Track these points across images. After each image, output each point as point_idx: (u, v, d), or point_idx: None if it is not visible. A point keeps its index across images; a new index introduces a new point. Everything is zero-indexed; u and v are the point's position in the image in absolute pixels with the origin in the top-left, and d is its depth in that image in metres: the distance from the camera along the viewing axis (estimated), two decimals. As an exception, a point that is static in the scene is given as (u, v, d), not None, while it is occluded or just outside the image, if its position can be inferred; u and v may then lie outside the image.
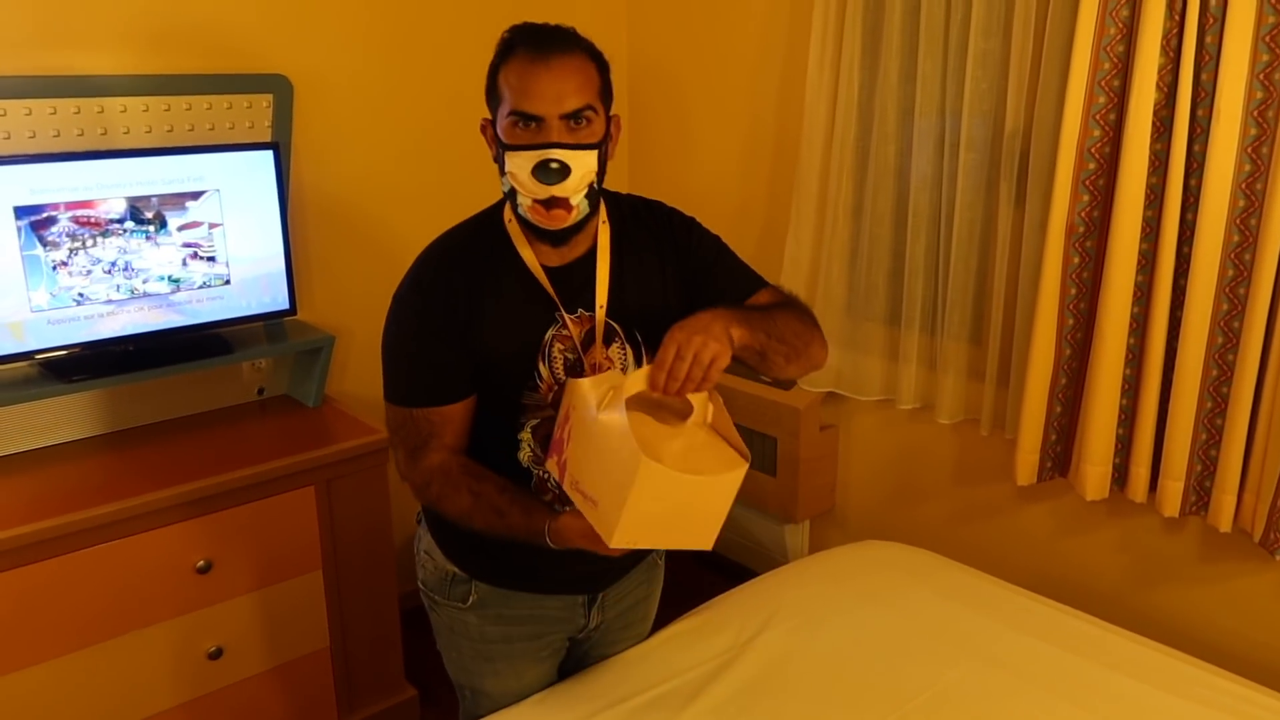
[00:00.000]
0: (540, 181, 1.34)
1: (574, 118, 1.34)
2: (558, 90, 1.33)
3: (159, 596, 2.04)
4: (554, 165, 1.33)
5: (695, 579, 2.71)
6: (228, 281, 2.29)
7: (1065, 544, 2.43)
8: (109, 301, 2.14)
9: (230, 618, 2.15)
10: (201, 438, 2.31)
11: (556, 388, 1.45)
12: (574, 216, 1.38)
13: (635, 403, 1.31)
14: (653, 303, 1.50)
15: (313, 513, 2.22)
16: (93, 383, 2.12)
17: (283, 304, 2.38)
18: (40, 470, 2.14)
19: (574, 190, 1.36)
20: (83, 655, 1.97)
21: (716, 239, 1.59)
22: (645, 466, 1.20)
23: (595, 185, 1.39)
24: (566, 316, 1.44)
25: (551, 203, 1.36)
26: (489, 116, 1.43)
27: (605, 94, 1.41)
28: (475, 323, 1.42)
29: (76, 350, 2.12)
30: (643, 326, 1.50)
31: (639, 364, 1.50)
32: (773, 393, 2.77)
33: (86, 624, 1.97)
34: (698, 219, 1.59)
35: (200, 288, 2.25)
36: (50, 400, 2.19)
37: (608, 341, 1.47)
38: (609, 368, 1.46)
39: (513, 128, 1.36)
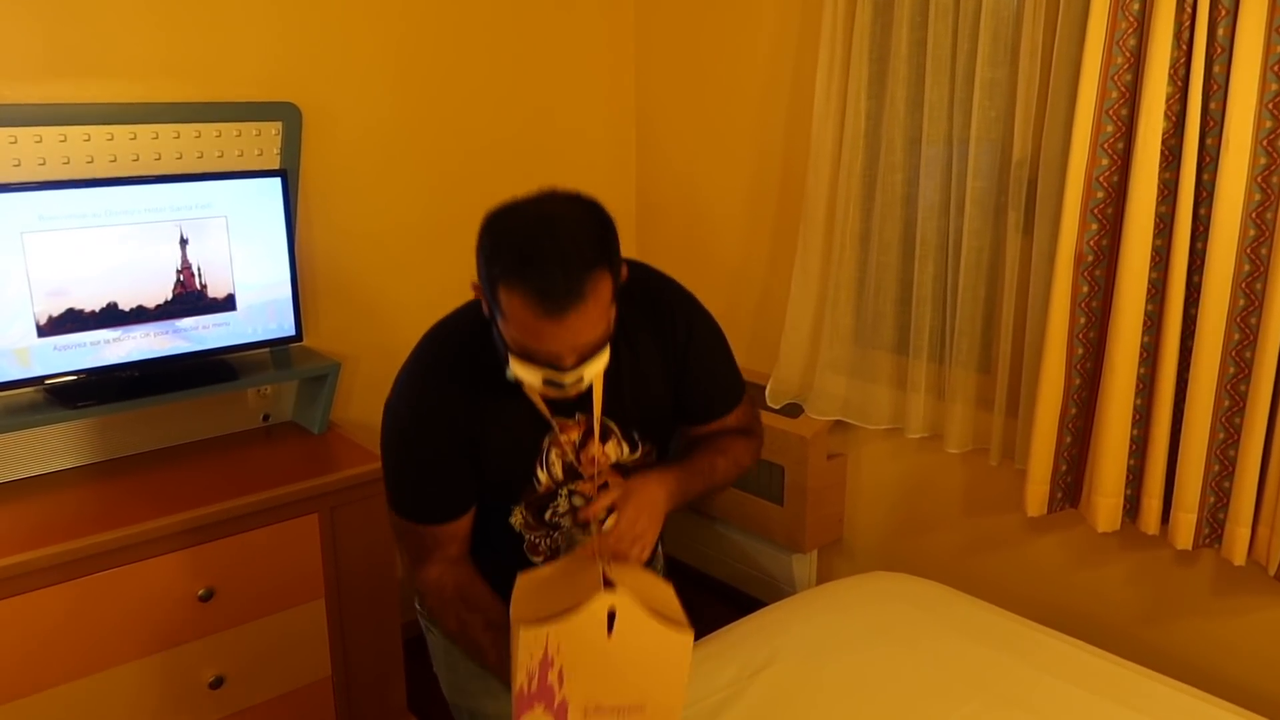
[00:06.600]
0: (554, 388, 1.32)
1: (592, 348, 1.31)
2: (573, 341, 1.26)
3: (160, 624, 2.03)
4: (569, 383, 1.31)
5: (702, 609, 2.68)
6: (234, 308, 2.29)
7: (1077, 576, 2.40)
8: (115, 327, 2.14)
9: (232, 646, 2.13)
10: (206, 464, 2.31)
11: (553, 485, 1.49)
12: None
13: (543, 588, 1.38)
14: (648, 397, 1.50)
15: (316, 540, 2.21)
16: (98, 409, 2.12)
17: (289, 330, 2.39)
18: (44, 496, 2.14)
19: (588, 382, 1.35)
20: (84, 684, 1.96)
21: (712, 342, 1.55)
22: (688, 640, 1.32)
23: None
24: (560, 425, 1.45)
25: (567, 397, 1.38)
26: (476, 280, 1.34)
27: (617, 282, 1.30)
28: (475, 439, 1.42)
29: (82, 376, 2.12)
30: (639, 421, 1.51)
31: (633, 450, 1.53)
32: (780, 421, 2.76)
33: (87, 652, 1.95)
34: (702, 305, 1.55)
35: (207, 314, 2.25)
36: (55, 426, 2.19)
37: (603, 438, 1.49)
38: (606, 462, 1.50)
39: (518, 344, 1.29)
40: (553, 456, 1.47)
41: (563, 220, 1.25)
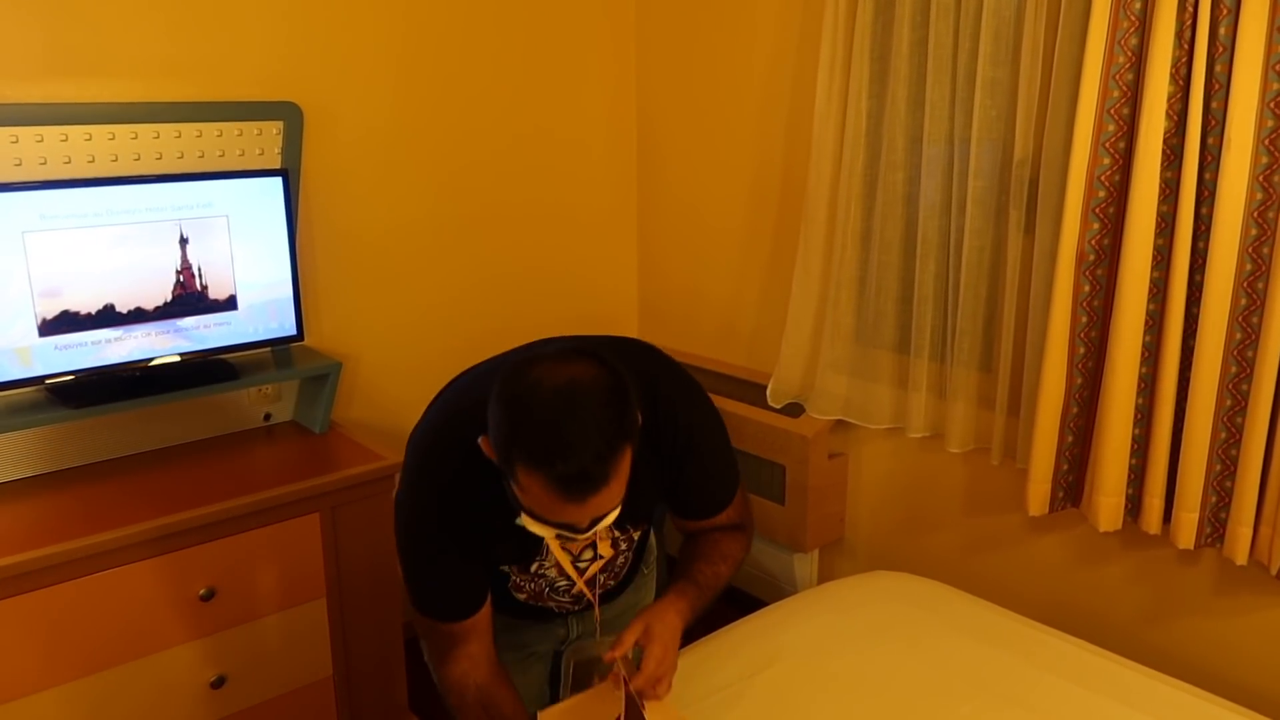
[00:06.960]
0: (567, 540, 1.36)
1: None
2: (594, 514, 1.25)
3: (162, 624, 2.03)
4: (583, 540, 1.35)
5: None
6: (235, 307, 2.29)
7: (1078, 575, 2.40)
8: (115, 327, 2.14)
9: (233, 646, 2.13)
10: (207, 464, 2.31)
11: (543, 557, 1.53)
12: None
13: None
14: (640, 500, 1.49)
15: (318, 540, 2.21)
16: (99, 408, 2.12)
17: (290, 330, 2.38)
18: (45, 496, 2.14)
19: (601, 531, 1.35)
20: (85, 683, 1.96)
21: (710, 443, 1.54)
22: None
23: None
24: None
25: None
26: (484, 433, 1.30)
27: (636, 445, 1.26)
28: (485, 538, 1.45)
29: (83, 376, 2.12)
30: (630, 516, 1.53)
31: (623, 534, 1.56)
32: (781, 420, 2.75)
33: (88, 651, 1.95)
34: (701, 395, 1.53)
35: (207, 313, 2.25)
36: (56, 426, 2.19)
37: None
38: (597, 536, 1.52)
39: (534, 513, 1.27)
40: (551, 547, 1.51)
41: (584, 397, 1.19)
